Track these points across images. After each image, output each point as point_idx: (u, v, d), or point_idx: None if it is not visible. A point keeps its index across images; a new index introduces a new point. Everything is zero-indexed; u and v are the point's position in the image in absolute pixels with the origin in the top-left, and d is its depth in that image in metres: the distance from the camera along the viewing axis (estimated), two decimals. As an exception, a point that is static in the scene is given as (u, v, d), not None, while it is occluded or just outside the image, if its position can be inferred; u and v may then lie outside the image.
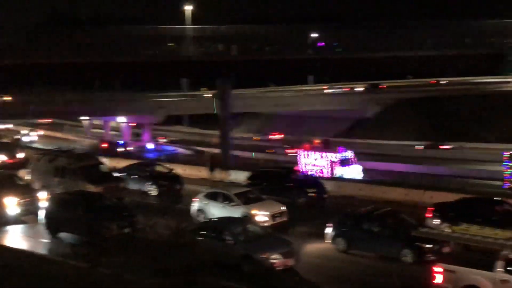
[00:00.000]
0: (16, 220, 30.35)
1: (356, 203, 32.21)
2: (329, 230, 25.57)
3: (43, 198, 30.88)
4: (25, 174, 38.04)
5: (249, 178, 37.32)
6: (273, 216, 28.59)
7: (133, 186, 37.37)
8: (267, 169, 39.62)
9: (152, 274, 20.01)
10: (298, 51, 64.14)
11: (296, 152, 57.32)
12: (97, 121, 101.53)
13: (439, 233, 22.74)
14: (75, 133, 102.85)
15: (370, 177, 44.91)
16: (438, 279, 18.84)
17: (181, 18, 65.40)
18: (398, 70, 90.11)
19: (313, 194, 34.69)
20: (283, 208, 29.37)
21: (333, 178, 40.45)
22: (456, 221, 26.54)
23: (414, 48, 64.44)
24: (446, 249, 22.77)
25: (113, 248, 22.84)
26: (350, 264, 23.62)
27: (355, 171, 45.59)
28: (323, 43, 65.36)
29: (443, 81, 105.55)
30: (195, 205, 30.55)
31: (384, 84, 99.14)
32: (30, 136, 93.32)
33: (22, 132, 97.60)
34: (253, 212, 28.44)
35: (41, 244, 27.42)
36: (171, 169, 40.43)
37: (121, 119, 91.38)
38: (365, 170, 46.93)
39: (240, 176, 40.71)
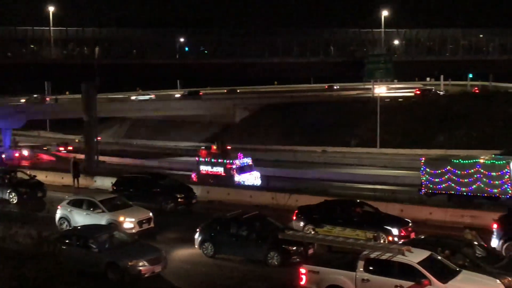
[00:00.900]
0: None
1: (224, 207, 32.39)
2: (197, 235, 25.52)
3: None
4: None
5: (115, 184, 36.65)
6: (139, 223, 28.17)
7: (-9, 194, 35.59)
8: (133, 175, 38.95)
9: (12, 286, 19.03)
10: (166, 56, 63.65)
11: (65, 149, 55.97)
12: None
13: (304, 235, 23.29)
14: None
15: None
16: (303, 280, 19.23)
17: (43, 20, 63.33)
18: (266, 76, 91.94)
19: (181, 200, 34.60)
20: (150, 214, 29.00)
21: (200, 183, 40.27)
22: (319, 223, 27.38)
23: (281, 55, 65.94)
24: (310, 251, 23.41)
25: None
26: (218, 268, 23.66)
27: (254, 178, 44.52)
28: (190, 48, 65.37)
29: (304, 88, 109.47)
30: (59, 213, 29.50)
31: (201, 91, 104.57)
32: None
33: None
34: (119, 219, 27.88)
35: None
36: (33, 176, 38.89)
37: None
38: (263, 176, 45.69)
39: (106, 182, 39.88)
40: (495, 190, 33.59)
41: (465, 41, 72.49)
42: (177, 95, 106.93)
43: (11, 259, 20.64)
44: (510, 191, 33.27)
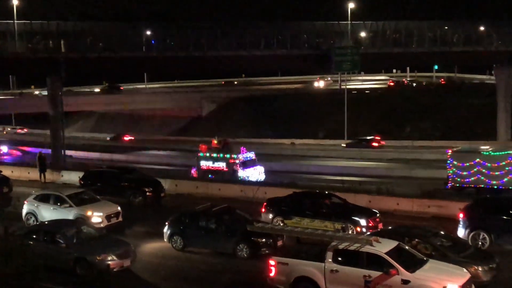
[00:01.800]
0: None
1: (193, 201, 32.35)
2: (166, 229, 25.44)
3: None
4: None
5: (82, 179, 36.37)
6: (107, 217, 27.96)
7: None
8: (101, 169, 38.63)
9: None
10: (133, 49, 63.14)
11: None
12: None
13: (273, 227, 23.34)
14: None
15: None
16: (272, 272, 19.31)
17: (5, 13, 62.26)
18: (234, 69, 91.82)
19: (149, 193, 34.45)
20: (118, 208, 28.82)
21: (170, 177, 39.97)
22: (288, 215, 27.49)
23: (249, 48, 65.88)
24: (280, 243, 23.51)
25: None
26: (188, 262, 23.63)
27: (258, 173, 43.28)
28: (156, 41, 64.88)
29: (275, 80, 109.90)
30: (25, 208, 29.15)
31: (122, 86, 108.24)
32: None
33: None
34: (87, 213, 27.67)
35: None
36: (-2, 171, 38.39)
37: None
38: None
39: (73, 177, 39.54)
40: None
41: (430, 33, 73.13)
42: (97, 90, 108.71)
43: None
44: None
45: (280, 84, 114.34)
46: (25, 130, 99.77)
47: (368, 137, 68.77)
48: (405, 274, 17.62)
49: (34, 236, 22.76)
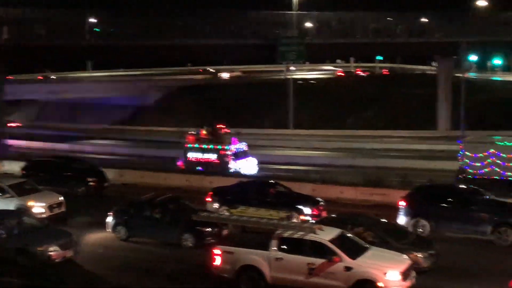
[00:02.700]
0: None
1: (138, 190, 32.14)
2: (110, 219, 25.22)
3: None
4: None
5: (24, 169, 35.71)
6: (50, 207, 27.57)
7: None
8: (43, 158, 37.96)
9: None
10: (77, 37, 61.96)
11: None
12: None
13: (218, 216, 23.43)
14: None
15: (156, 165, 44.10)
16: (218, 261, 19.38)
17: None
18: (180, 58, 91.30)
19: (93, 183, 34.11)
20: (61, 198, 28.44)
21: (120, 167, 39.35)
22: (233, 204, 27.55)
23: (195, 37, 65.42)
24: (225, 232, 23.60)
25: None
26: (132, 252, 23.50)
27: (251, 164, 41.67)
28: (101, 29, 63.85)
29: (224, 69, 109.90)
30: (-36, 199, 28.45)
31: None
32: None
33: None
34: (29, 203, 27.22)
35: None
36: None
37: None
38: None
39: (14, 167, 38.75)
40: None
41: (374, 24, 74.14)
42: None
43: None
44: None
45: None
46: None
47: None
48: (347, 261, 17.93)
49: (-27, 227, 22.27)
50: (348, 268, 17.87)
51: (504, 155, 31.28)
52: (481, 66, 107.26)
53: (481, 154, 32.07)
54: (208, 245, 21.97)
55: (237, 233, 21.94)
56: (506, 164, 31.08)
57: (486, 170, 31.81)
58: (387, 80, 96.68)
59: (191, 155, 41.68)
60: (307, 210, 26.45)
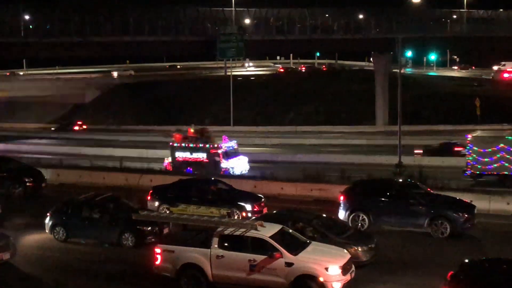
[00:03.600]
0: None
1: (76, 190, 31.57)
2: (47, 220, 24.71)
3: None
4: None
5: (-43, 170, 34.58)
6: (-15, 210, 26.83)
7: None
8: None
9: None
10: (10, 34, 60.46)
11: None
12: None
13: (158, 215, 23.22)
14: None
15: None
16: (159, 260, 19.22)
17: None
18: (118, 55, 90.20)
19: (30, 184, 33.34)
20: (-3, 200, 27.74)
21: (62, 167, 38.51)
22: (174, 202, 27.40)
23: (133, 34, 64.69)
24: (166, 230, 23.42)
25: None
26: (71, 253, 23.08)
27: (243, 163, 40.21)
28: (36, 26, 62.51)
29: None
30: None
31: None
32: None
33: None
34: (-37, 206, 26.42)
35: None
36: None
37: None
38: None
39: None
40: None
41: (312, 20, 74.89)
42: None
43: None
44: None
45: (165, 70, 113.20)
46: None
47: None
48: (288, 257, 18.04)
49: None
50: (289, 264, 17.98)
51: None
52: (417, 61, 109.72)
53: (489, 149, 31.60)
54: (149, 244, 21.79)
55: (178, 231, 21.79)
56: None
57: (495, 165, 31.41)
58: (326, 76, 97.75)
59: (179, 155, 40.22)
60: (248, 206, 26.48)
